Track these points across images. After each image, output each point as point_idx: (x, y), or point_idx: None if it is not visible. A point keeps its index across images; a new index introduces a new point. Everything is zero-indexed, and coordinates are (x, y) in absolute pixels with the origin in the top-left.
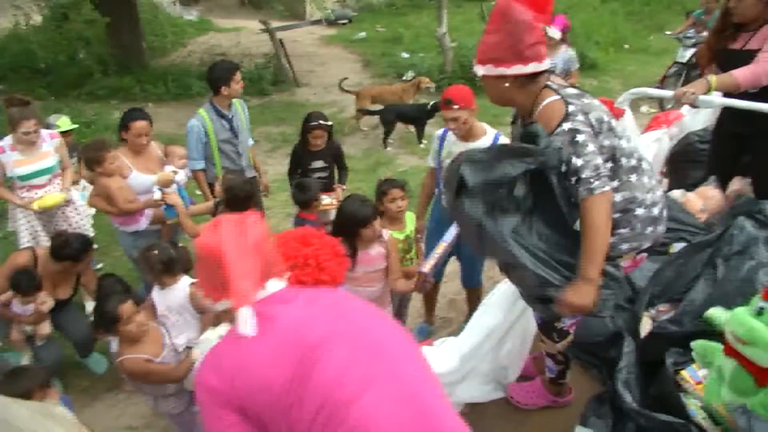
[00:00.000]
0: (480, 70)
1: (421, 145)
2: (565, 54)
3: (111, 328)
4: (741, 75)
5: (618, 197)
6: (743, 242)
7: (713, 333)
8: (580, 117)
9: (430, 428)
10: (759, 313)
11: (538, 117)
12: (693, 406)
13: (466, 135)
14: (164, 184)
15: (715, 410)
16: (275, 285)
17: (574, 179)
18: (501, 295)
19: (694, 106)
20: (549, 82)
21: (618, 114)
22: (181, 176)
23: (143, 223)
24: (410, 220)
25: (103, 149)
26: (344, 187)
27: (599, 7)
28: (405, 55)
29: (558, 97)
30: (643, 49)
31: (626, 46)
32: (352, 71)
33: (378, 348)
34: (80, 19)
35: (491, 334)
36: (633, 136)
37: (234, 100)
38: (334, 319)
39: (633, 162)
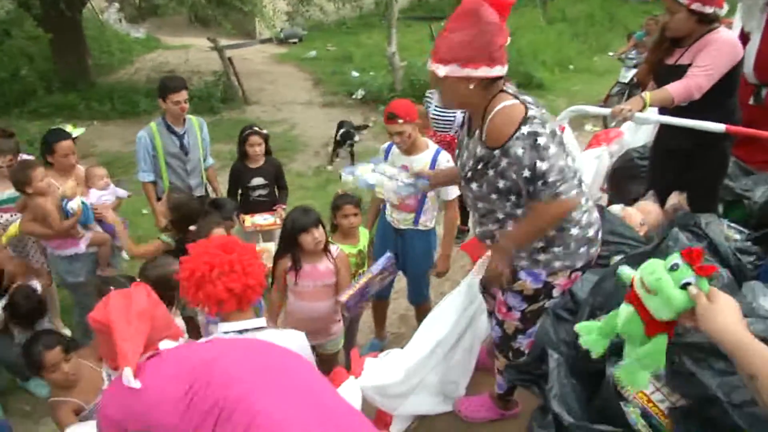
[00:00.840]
0: (442, 70)
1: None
2: None
3: (36, 373)
4: (674, 90)
5: None
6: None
7: None
8: (539, 121)
9: (328, 421)
10: (672, 269)
11: (494, 120)
12: (633, 414)
13: (410, 149)
14: (70, 196)
15: (656, 418)
16: (167, 345)
17: (540, 183)
18: (448, 308)
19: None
20: (506, 87)
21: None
22: (108, 196)
23: (82, 246)
24: (363, 235)
25: (29, 168)
26: (284, 206)
27: (546, 28)
28: (355, 73)
29: (516, 101)
30: (587, 69)
31: (571, 67)
32: (302, 89)
33: (279, 366)
34: (23, 35)
35: (438, 346)
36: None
37: (192, 118)
38: (231, 346)
39: (575, 181)
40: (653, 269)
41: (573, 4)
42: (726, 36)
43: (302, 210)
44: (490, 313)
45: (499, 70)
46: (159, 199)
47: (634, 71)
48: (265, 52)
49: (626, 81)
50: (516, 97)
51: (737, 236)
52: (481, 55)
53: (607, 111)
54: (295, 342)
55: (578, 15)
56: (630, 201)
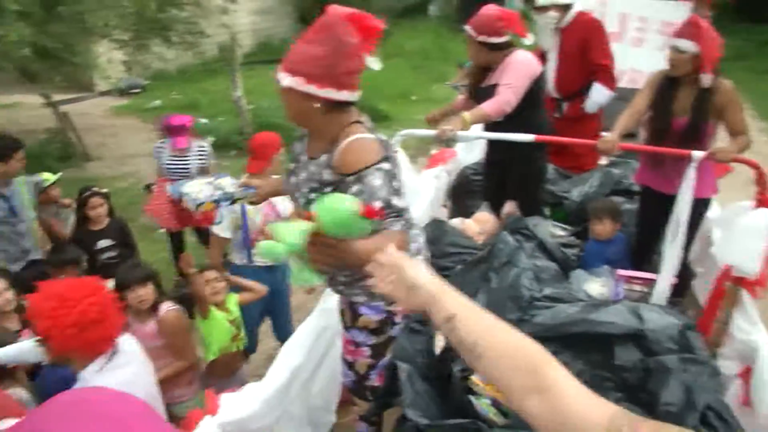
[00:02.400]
0: (286, 80)
1: None
2: None
3: None
4: (488, 107)
5: None
6: (508, 254)
7: None
8: (393, 159)
9: None
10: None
11: (351, 148)
12: (484, 405)
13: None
14: None
15: (503, 404)
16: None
17: (393, 215)
18: (303, 335)
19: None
20: (362, 119)
21: None
22: None
23: None
24: (231, 300)
25: None
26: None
27: (385, 63)
28: (203, 120)
29: (373, 136)
30: (427, 98)
31: (413, 97)
32: (148, 141)
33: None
34: None
35: (297, 375)
36: (405, 174)
37: (18, 179)
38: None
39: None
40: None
41: (409, 40)
42: (520, 56)
43: (130, 265)
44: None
45: (347, 96)
46: None
47: None
48: (104, 105)
49: (459, 84)
50: (372, 132)
51: (562, 233)
52: (327, 75)
53: (432, 133)
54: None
55: (414, 49)
56: (469, 214)
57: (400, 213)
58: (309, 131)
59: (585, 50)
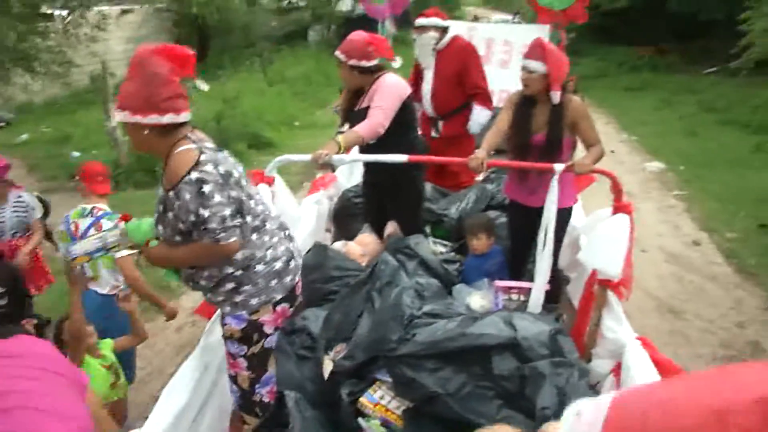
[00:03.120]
0: (118, 116)
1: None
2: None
3: None
4: (361, 129)
5: (239, 255)
6: (390, 274)
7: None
8: (209, 167)
9: None
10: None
11: (170, 163)
12: (374, 426)
13: None
14: None
15: (394, 424)
16: None
17: (202, 228)
18: (185, 375)
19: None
20: (190, 134)
21: (269, 182)
22: None
23: None
24: (106, 346)
25: None
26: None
27: (268, 90)
28: (76, 154)
29: (194, 146)
30: (311, 124)
31: (297, 123)
32: (17, 177)
33: None
34: None
35: (181, 414)
36: (285, 201)
37: None
38: None
39: (257, 222)
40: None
41: (291, 67)
42: (389, 79)
43: None
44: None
45: (171, 118)
46: None
47: None
48: None
49: (344, 131)
50: (194, 143)
51: (443, 249)
52: (147, 105)
53: (307, 157)
54: None
55: (296, 75)
56: (352, 237)
57: (206, 224)
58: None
59: (462, 73)
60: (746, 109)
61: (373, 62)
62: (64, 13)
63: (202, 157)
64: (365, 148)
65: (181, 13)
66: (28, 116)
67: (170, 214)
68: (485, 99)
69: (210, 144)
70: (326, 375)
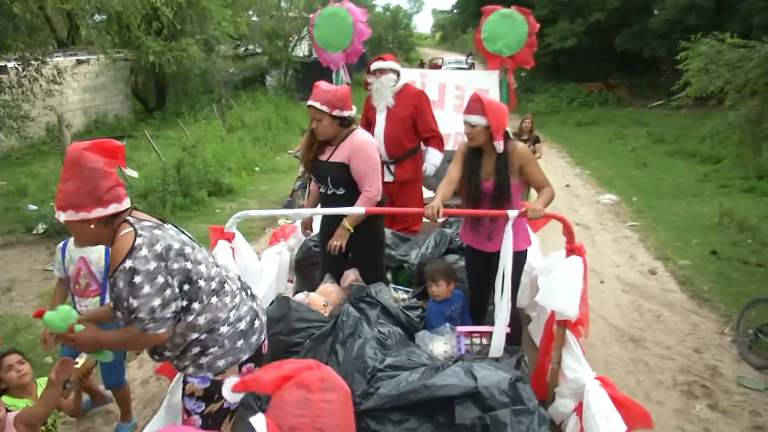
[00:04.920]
0: (62, 216)
1: None
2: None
3: None
4: (364, 206)
5: (201, 320)
6: (352, 325)
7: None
8: (144, 251)
9: None
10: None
11: (112, 250)
12: None
13: None
14: None
15: None
16: None
17: (132, 316)
18: None
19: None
20: (129, 217)
21: (229, 238)
22: None
23: None
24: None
25: None
26: None
27: (227, 137)
28: (33, 207)
29: (130, 229)
30: (272, 168)
31: (257, 168)
32: None
33: None
34: None
35: None
36: (246, 255)
37: None
38: None
39: (213, 285)
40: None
41: (249, 112)
42: (365, 137)
43: None
44: None
45: (115, 208)
46: None
47: None
48: None
49: (306, 175)
50: (133, 225)
51: (404, 296)
52: (91, 199)
53: (268, 213)
54: None
55: (256, 121)
56: (315, 286)
57: (135, 313)
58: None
59: (416, 116)
60: (693, 140)
61: (352, 112)
62: (17, 66)
63: (137, 241)
64: (324, 198)
65: (138, 62)
66: None
67: (116, 301)
68: (439, 143)
69: (149, 222)
70: None
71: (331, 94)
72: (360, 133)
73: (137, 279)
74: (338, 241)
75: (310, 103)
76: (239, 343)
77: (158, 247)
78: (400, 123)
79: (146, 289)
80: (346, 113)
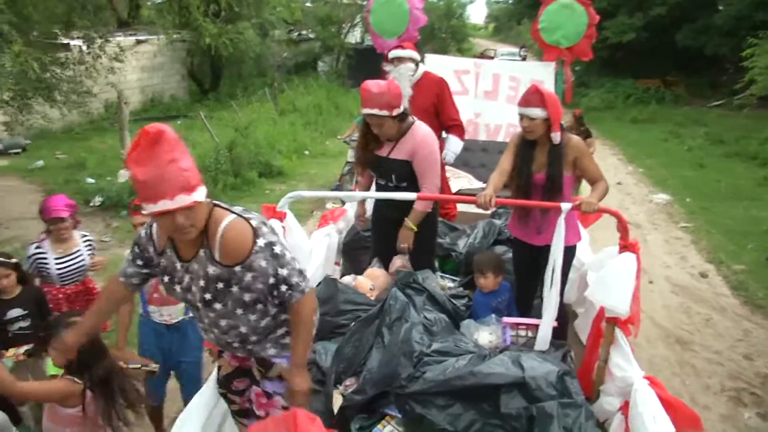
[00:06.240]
0: (159, 206)
1: None
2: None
3: None
4: (421, 205)
5: None
6: (399, 309)
7: (392, 393)
8: (264, 228)
9: None
10: None
11: (227, 238)
12: None
13: None
14: None
15: None
16: None
17: (285, 288)
18: (197, 406)
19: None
20: (217, 202)
21: (281, 217)
22: None
23: None
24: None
25: None
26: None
27: (279, 119)
28: (90, 180)
29: (234, 215)
30: (321, 153)
31: (307, 152)
32: (32, 203)
33: None
34: None
35: None
36: (296, 235)
37: None
38: None
39: None
40: None
41: (302, 97)
42: (425, 132)
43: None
44: (238, 413)
45: (203, 192)
46: None
47: None
48: None
49: (354, 160)
50: (231, 211)
51: (450, 284)
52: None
53: (320, 194)
54: None
55: (307, 105)
56: (361, 270)
57: (288, 281)
58: (178, 237)
59: (438, 104)
60: (754, 141)
61: (403, 106)
62: (82, 44)
63: (253, 223)
64: (386, 191)
65: (195, 44)
66: (43, 142)
67: (235, 288)
68: (460, 131)
69: (238, 208)
70: (336, 409)
71: (386, 94)
72: (420, 128)
73: (277, 249)
74: (405, 243)
75: (368, 111)
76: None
77: (269, 224)
78: (422, 111)
79: (287, 254)
80: (402, 108)
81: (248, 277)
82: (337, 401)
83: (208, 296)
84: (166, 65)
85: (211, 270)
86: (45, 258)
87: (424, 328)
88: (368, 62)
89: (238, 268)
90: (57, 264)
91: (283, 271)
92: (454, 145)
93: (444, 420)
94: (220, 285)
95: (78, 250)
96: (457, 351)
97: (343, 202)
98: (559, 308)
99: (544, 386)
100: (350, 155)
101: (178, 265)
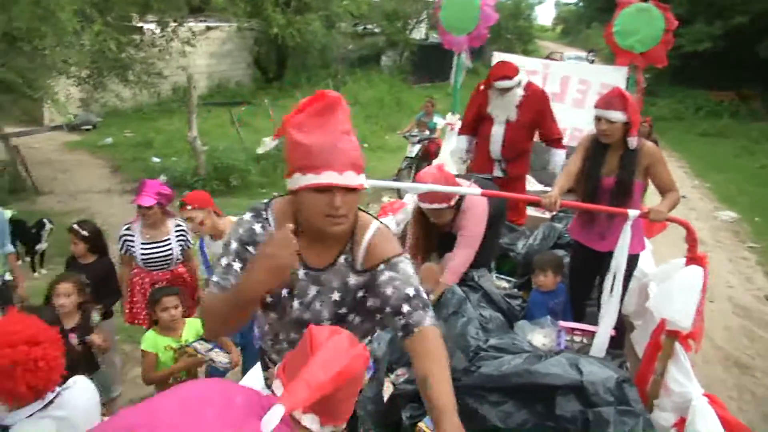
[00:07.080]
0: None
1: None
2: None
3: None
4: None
5: None
6: (456, 304)
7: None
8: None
9: None
10: None
11: (373, 245)
12: None
13: (213, 234)
14: None
15: None
16: None
17: (420, 304)
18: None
19: None
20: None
21: None
22: None
23: None
24: (190, 326)
25: None
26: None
27: None
28: (156, 159)
29: (380, 222)
30: (380, 147)
31: (366, 145)
32: (100, 177)
33: None
34: None
35: None
36: None
37: None
38: None
39: None
40: None
41: (364, 90)
42: (476, 209)
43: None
44: None
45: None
46: None
47: (418, 146)
48: (55, 140)
49: (413, 155)
50: (374, 217)
51: (506, 284)
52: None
53: (383, 183)
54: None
55: (369, 99)
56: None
57: (417, 295)
58: (309, 240)
59: (539, 120)
60: None
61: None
62: (155, 27)
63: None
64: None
65: (262, 33)
66: (113, 120)
67: (369, 295)
68: (561, 144)
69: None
70: (386, 397)
71: (437, 193)
72: (472, 206)
73: (406, 266)
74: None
75: (429, 207)
76: None
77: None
78: (521, 128)
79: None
80: (455, 200)
81: (385, 276)
82: (388, 390)
83: (343, 310)
84: (234, 52)
85: (351, 280)
86: (132, 241)
87: (479, 325)
88: (433, 59)
89: (381, 266)
90: (142, 249)
91: (414, 285)
92: (559, 157)
93: (495, 416)
94: (359, 294)
95: (167, 239)
96: (514, 349)
97: (402, 195)
98: (618, 318)
99: (602, 392)
100: (408, 151)
101: (302, 272)
